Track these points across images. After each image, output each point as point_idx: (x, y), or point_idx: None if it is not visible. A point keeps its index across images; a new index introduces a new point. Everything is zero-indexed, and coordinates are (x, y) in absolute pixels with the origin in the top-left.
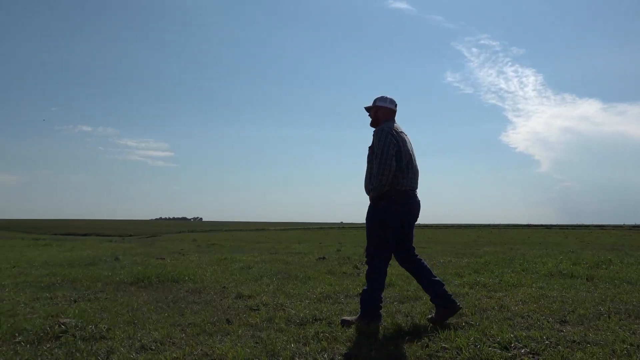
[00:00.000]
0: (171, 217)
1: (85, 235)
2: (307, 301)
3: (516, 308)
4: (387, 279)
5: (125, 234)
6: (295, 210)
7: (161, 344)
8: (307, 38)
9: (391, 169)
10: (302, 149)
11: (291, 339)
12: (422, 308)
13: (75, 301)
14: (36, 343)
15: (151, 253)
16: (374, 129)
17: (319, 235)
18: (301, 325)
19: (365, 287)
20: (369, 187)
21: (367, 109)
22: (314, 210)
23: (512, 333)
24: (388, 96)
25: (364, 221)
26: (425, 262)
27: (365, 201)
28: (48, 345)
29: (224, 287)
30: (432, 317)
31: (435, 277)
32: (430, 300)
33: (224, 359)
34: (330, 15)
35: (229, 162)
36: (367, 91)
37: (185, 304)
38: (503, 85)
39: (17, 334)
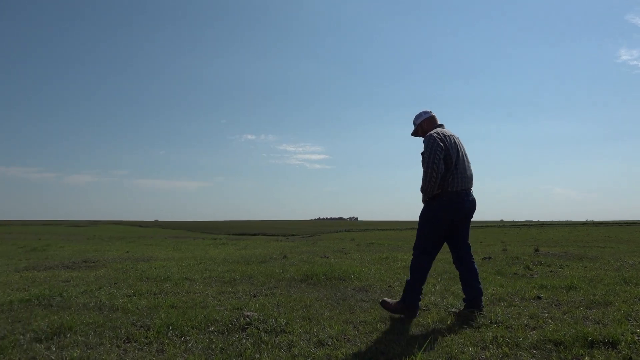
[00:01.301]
0: (329, 217)
1: (254, 235)
2: None
3: None
4: (569, 282)
5: (289, 233)
6: None
7: (337, 340)
8: (456, 30)
9: (439, 171)
10: None
11: (468, 342)
12: (616, 315)
13: (254, 296)
14: (226, 333)
15: (315, 251)
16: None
17: (478, 234)
18: (477, 328)
19: (408, 279)
20: (422, 190)
21: (414, 134)
22: None
23: None
24: (419, 111)
25: (526, 219)
26: (476, 266)
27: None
28: (236, 336)
29: (390, 285)
30: (457, 310)
31: (480, 284)
32: (464, 299)
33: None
34: (478, 2)
35: (380, 161)
36: (525, 80)
37: (354, 301)
38: None
39: (209, 324)
